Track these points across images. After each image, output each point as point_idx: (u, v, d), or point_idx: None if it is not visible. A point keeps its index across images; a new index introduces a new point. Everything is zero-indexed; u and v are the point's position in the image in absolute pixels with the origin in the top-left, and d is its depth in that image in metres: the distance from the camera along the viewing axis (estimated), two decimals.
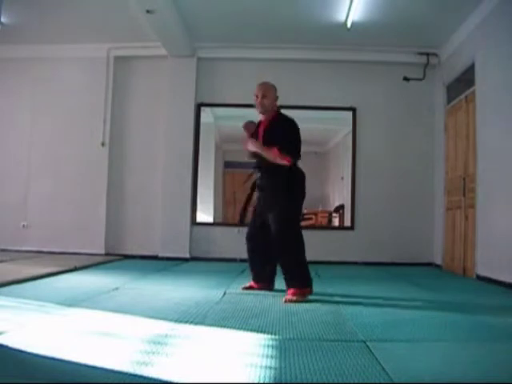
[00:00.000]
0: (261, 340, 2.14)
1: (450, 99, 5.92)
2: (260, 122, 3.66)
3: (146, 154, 6.49)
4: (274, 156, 3.35)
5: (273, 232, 3.37)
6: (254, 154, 3.51)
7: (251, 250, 3.63)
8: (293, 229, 3.38)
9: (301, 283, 3.30)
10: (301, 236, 3.38)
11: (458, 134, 5.55)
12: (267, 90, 3.51)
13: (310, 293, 3.33)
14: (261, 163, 3.50)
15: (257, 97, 3.50)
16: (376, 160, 6.35)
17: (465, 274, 5.13)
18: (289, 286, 3.31)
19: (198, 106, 6.50)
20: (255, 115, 3.76)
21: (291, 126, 3.46)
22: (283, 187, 3.37)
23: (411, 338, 2.27)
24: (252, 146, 3.47)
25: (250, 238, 3.64)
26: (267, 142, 3.43)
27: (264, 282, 3.63)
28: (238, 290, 3.66)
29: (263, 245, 3.54)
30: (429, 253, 6.21)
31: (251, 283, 3.68)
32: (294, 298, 3.21)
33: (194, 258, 6.20)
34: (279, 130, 3.43)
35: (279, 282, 3.67)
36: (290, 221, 3.39)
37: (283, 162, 3.34)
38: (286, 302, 3.18)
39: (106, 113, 6.46)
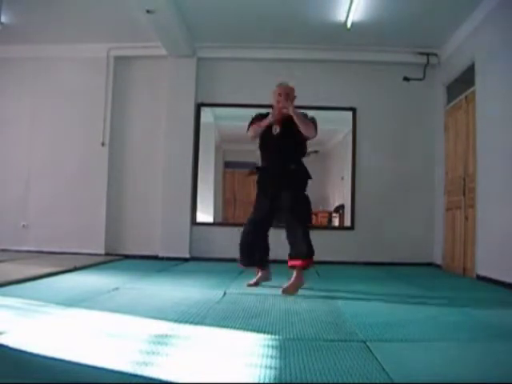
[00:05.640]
0: (261, 340, 2.13)
1: (450, 99, 5.92)
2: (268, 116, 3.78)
3: (145, 153, 6.49)
4: (307, 123, 3.59)
5: (290, 215, 3.56)
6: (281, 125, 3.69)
7: (258, 236, 3.77)
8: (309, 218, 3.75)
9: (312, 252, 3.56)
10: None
11: (458, 134, 5.55)
12: (290, 90, 3.76)
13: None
14: (282, 151, 3.68)
15: (280, 95, 3.70)
16: (376, 160, 6.34)
17: (465, 274, 5.13)
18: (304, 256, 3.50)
19: (198, 106, 6.50)
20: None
21: (312, 117, 3.74)
22: (301, 185, 3.69)
23: (411, 338, 2.27)
24: (292, 110, 3.59)
25: (260, 225, 3.76)
26: (288, 128, 3.65)
27: (266, 266, 3.87)
28: (238, 289, 3.66)
29: (266, 233, 3.78)
30: (429, 253, 6.21)
31: (257, 277, 3.85)
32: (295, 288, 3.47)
33: (194, 258, 6.20)
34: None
35: (279, 281, 3.68)
36: (306, 205, 3.68)
37: (311, 131, 3.60)
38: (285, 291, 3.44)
39: (106, 113, 6.46)
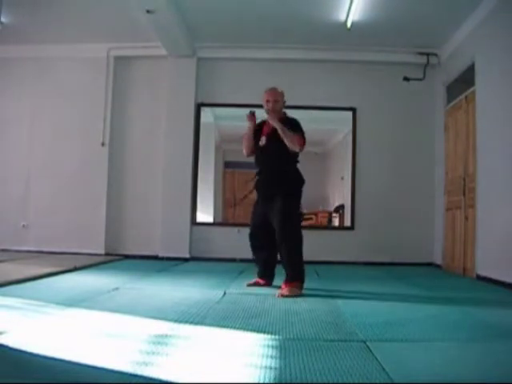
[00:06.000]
0: (261, 340, 2.13)
1: (450, 99, 5.92)
2: (264, 123, 3.77)
3: (145, 153, 6.49)
4: (291, 137, 3.51)
5: (277, 233, 3.54)
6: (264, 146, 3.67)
7: (254, 247, 3.83)
8: (298, 227, 3.57)
9: (299, 276, 3.48)
10: (301, 237, 3.57)
11: (458, 134, 5.55)
12: (278, 95, 3.71)
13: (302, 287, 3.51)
14: (267, 163, 3.67)
15: (268, 101, 3.67)
16: (376, 160, 6.35)
17: (465, 274, 5.13)
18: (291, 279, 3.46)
19: (198, 106, 6.50)
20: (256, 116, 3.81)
21: (298, 124, 3.66)
22: (290, 191, 3.57)
23: (411, 338, 2.27)
24: (274, 121, 3.56)
25: (252, 237, 3.82)
26: (273, 140, 3.60)
27: (268, 278, 3.82)
28: (238, 289, 3.67)
29: (265, 243, 3.73)
30: (429, 253, 6.21)
31: (257, 279, 3.86)
32: (289, 293, 3.37)
33: (194, 258, 6.20)
34: (287, 126, 3.58)
35: (279, 281, 3.68)
36: (294, 221, 3.58)
37: (296, 145, 3.51)
38: (281, 296, 3.34)
39: (106, 113, 6.46)
